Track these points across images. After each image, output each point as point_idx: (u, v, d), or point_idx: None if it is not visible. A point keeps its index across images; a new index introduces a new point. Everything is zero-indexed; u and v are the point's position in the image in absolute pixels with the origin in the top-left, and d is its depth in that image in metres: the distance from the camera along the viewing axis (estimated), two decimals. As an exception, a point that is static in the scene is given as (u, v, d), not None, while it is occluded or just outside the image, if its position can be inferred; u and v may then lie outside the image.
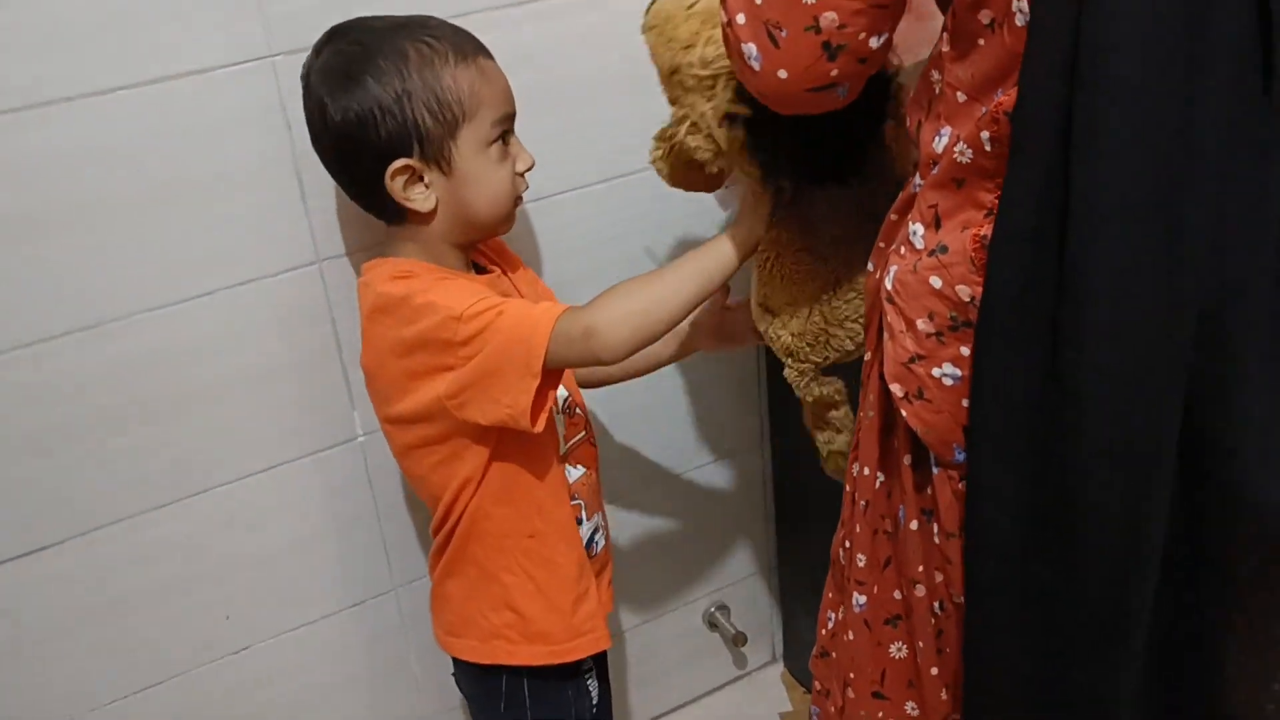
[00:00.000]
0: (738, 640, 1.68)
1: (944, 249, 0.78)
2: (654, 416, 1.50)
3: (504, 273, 1.18)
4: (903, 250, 0.83)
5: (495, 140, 1.04)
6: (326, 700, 1.39)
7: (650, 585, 1.61)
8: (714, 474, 1.61)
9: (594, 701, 1.22)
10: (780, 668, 1.79)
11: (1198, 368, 0.68)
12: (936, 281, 0.78)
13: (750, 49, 0.77)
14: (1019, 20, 0.69)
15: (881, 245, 0.89)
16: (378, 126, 1.00)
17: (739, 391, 1.58)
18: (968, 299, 0.77)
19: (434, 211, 1.05)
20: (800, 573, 1.67)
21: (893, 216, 0.88)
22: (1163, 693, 0.79)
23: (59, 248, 1.08)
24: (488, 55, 1.05)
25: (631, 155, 1.32)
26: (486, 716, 1.22)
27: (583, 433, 1.21)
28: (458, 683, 1.26)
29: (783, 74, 0.76)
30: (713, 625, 1.70)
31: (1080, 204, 0.66)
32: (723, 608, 1.70)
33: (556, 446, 1.14)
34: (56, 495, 1.16)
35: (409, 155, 1.01)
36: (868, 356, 0.92)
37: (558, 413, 1.16)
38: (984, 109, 0.73)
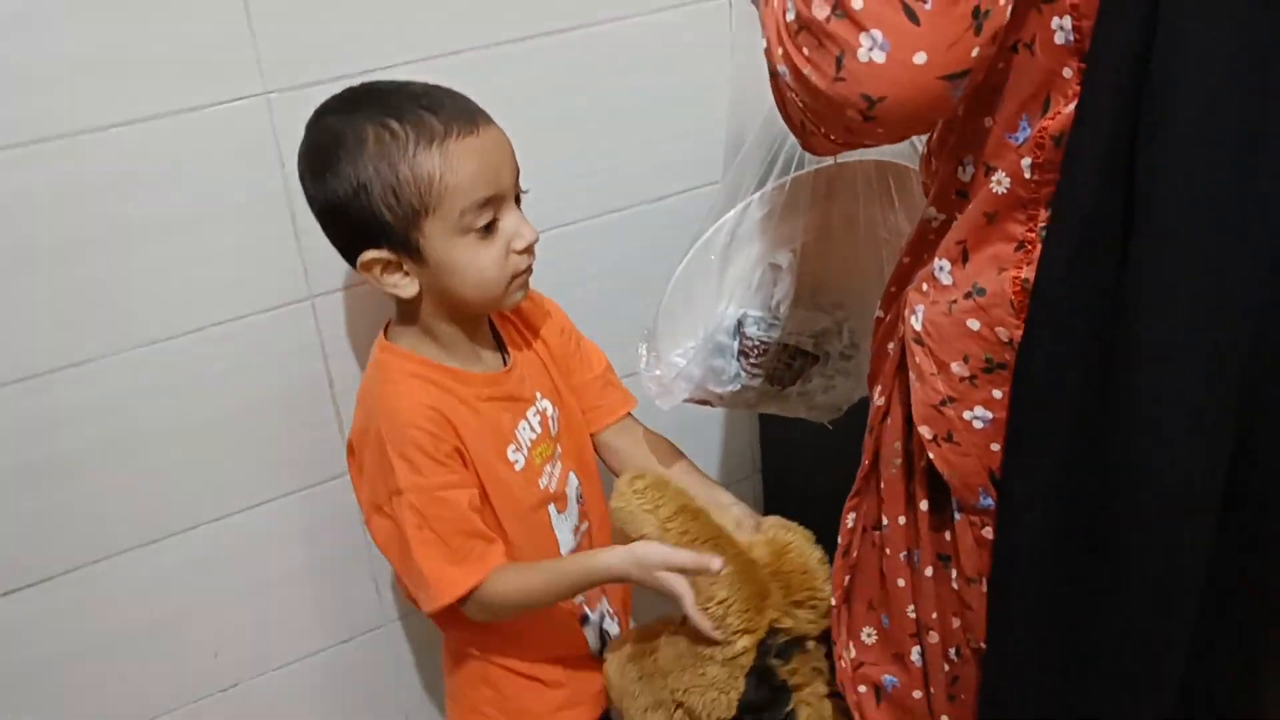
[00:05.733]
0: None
1: (981, 291, 0.76)
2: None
3: (523, 344, 1.13)
4: (925, 287, 0.81)
5: (473, 229, 0.96)
6: (316, 737, 1.38)
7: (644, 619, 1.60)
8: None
9: None
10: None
11: (1260, 391, 0.66)
12: (974, 324, 0.77)
13: (874, 36, 0.66)
14: (1059, 38, 0.68)
15: (893, 290, 0.88)
16: (342, 220, 0.97)
17: (730, 421, 1.58)
18: (1005, 340, 0.76)
19: (420, 295, 1.01)
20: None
21: (905, 259, 0.86)
22: None
23: (50, 283, 1.07)
24: (468, 130, 0.95)
25: (641, 186, 1.34)
26: None
27: (586, 523, 1.17)
28: None
29: (920, 58, 0.66)
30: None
31: (1144, 223, 0.65)
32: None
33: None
34: (44, 532, 1.14)
35: (378, 247, 0.97)
36: (880, 401, 0.89)
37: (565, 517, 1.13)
38: (1018, 135, 0.72)
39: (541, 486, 1.10)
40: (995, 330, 0.76)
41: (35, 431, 1.11)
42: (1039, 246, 0.73)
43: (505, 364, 1.09)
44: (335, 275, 1.20)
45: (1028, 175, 0.72)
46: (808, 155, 1.02)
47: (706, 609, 1.00)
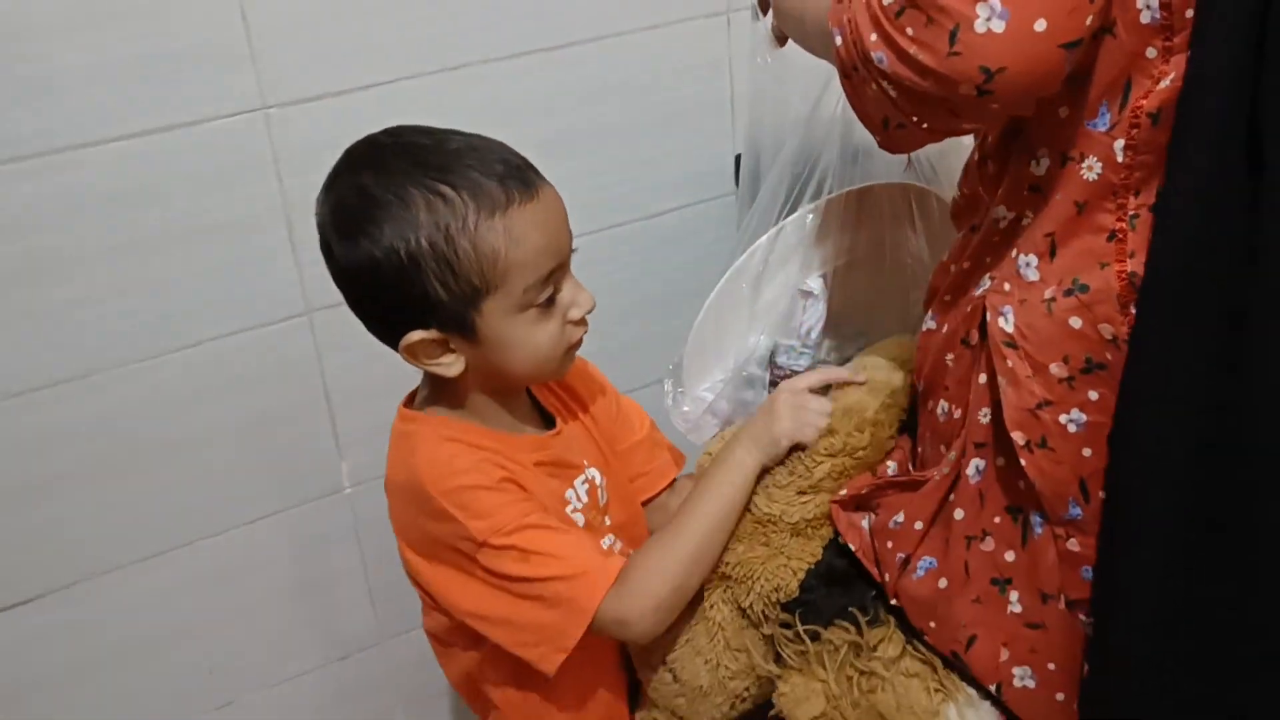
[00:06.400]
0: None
1: (1084, 287, 0.75)
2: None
3: (565, 412, 1.01)
4: (1008, 287, 0.80)
5: (534, 304, 0.86)
6: (311, 755, 1.37)
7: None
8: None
9: None
10: None
11: None
12: (1076, 322, 0.76)
13: (992, 6, 0.65)
14: (1145, 18, 0.68)
15: (946, 299, 0.86)
16: (380, 293, 0.84)
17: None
18: (1109, 338, 0.74)
19: (464, 373, 0.89)
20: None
21: (963, 266, 0.84)
22: None
23: (50, 297, 1.06)
24: (528, 196, 0.84)
25: (638, 201, 1.33)
26: None
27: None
28: None
29: (1040, 25, 0.65)
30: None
31: (1274, 191, 0.63)
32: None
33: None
34: (39, 548, 1.13)
35: (424, 327, 0.85)
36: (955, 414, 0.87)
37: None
38: (1099, 122, 0.72)
39: (606, 546, 0.99)
40: (1099, 328, 0.75)
41: (29, 447, 1.10)
42: (1130, 237, 0.73)
43: (550, 430, 0.99)
44: (333, 290, 1.19)
45: (1121, 159, 0.72)
46: (839, 178, 1.02)
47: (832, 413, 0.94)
